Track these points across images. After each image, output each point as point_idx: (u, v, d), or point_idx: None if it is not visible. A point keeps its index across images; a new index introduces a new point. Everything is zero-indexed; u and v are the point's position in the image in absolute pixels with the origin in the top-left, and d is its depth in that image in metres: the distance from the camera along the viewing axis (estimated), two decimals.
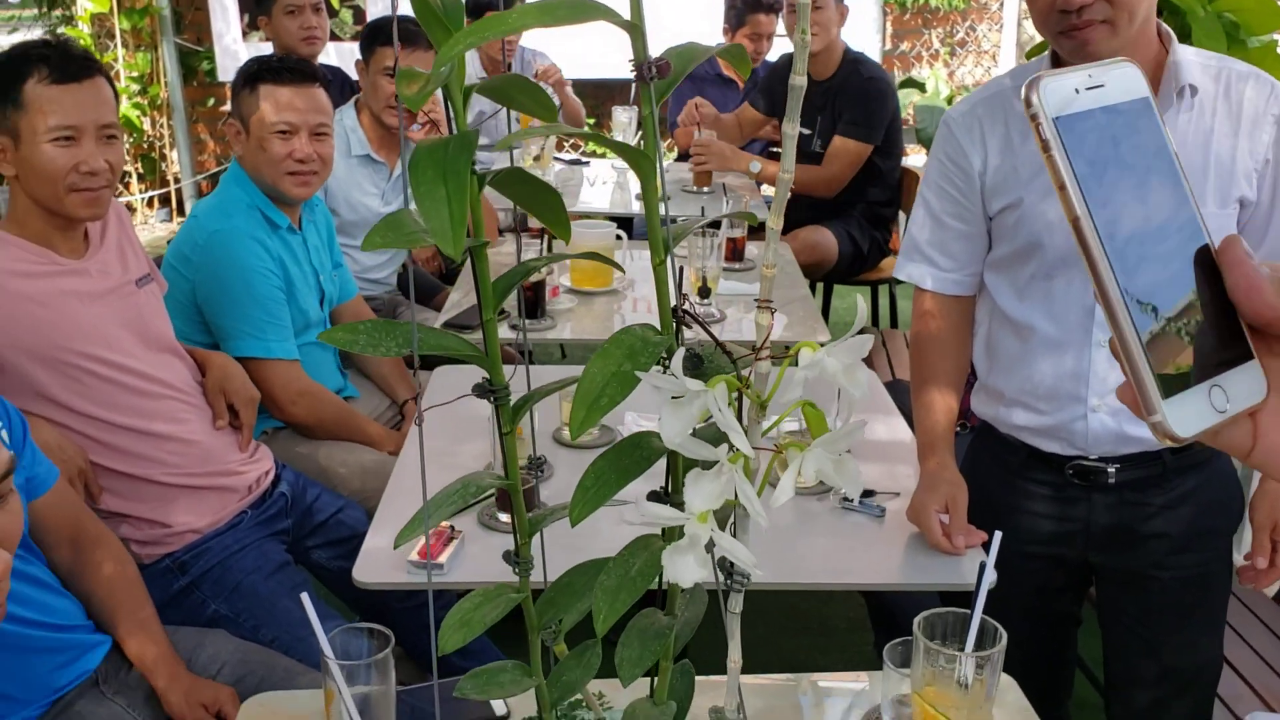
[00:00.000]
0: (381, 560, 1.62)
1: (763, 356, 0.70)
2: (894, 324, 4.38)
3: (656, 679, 0.92)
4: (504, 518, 1.72)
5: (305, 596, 1.13)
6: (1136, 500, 1.70)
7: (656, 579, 0.80)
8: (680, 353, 0.70)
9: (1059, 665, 1.91)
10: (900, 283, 2.88)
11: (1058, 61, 1.61)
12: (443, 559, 1.60)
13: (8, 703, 1.52)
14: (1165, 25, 1.60)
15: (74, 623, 1.62)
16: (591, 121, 6.46)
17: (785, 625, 2.85)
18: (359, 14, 6.44)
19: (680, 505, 0.72)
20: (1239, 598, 2.14)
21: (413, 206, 0.67)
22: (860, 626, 2.73)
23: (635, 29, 0.67)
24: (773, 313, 0.72)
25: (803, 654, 2.73)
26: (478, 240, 0.76)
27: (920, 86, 6.97)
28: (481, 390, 0.82)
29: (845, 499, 1.79)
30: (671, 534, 0.78)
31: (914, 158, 6.03)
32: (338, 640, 1.11)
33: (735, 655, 0.85)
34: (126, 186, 6.75)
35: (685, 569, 0.70)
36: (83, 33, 6.35)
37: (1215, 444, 0.52)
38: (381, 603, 2.03)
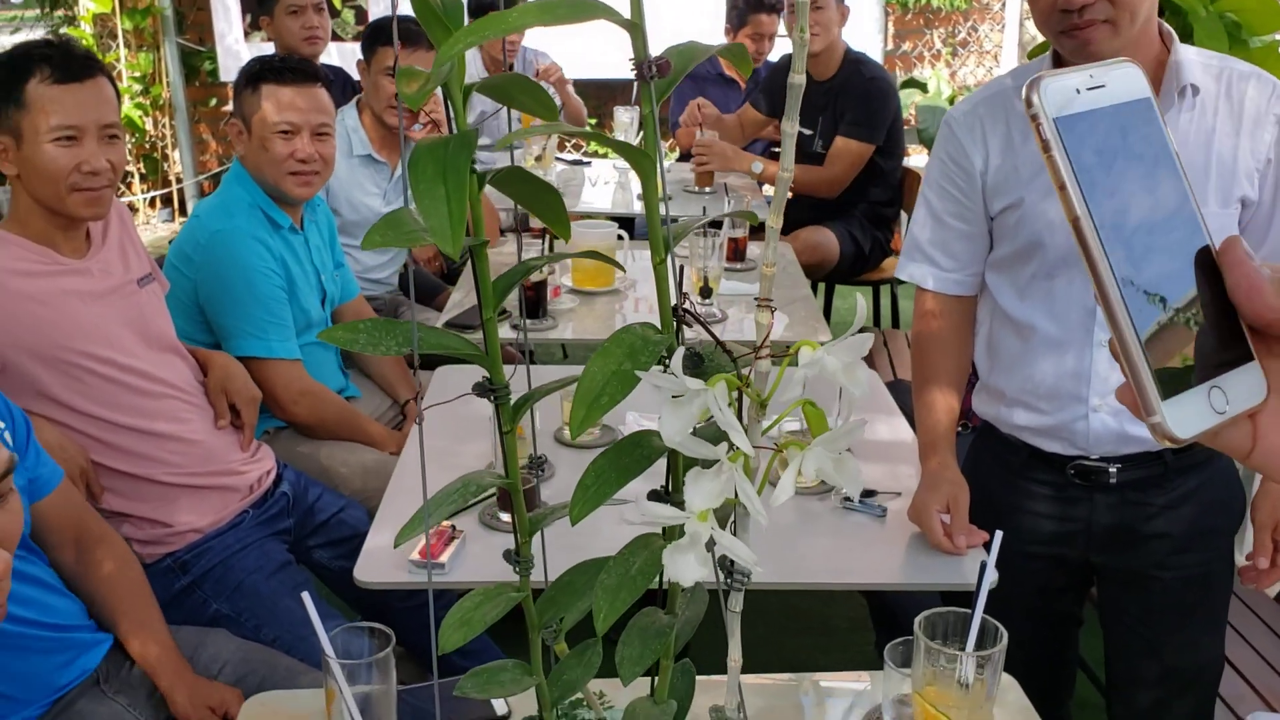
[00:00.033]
0: (383, 560, 1.63)
1: (763, 355, 0.70)
2: (895, 324, 4.38)
3: (657, 678, 0.92)
4: (505, 517, 1.72)
5: (306, 595, 1.13)
6: (1138, 500, 1.70)
7: (657, 578, 0.80)
8: (680, 351, 0.70)
9: (1060, 665, 1.91)
10: (902, 283, 2.88)
11: (1059, 61, 1.61)
12: (444, 558, 1.60)
13: (8, 703, 1.52)
14: (1167, 25, 1.59)
15: (75, 622, 1.62)
16: (593, 121, 6.46)
17: (786, 625, 2.85)
18: (361, 14, 6.45)
19: (680, 504, 0.72)
20: (1240, 598, 2.14)
21: (413, 206, 0.67)
22: (861, 626, 2.73)
23: (635, 28, 0.67)
24: (773, 312, 0.72)
25: (804, 654, 2.72)
26: (477, 239, 0.76)
27: (922, 87, 6.97)
28: (482, 389, 0.82)
29: (846, 498, 1.79)
30: (672, 533, 0.78)
31: (916, 158, 6.03)
32: (339, 639, 1.11)
33: (735, 654, 0.85)
34: (128, 186, 6.75)
35: (685, 568, 0.70)
36: (85, 33, 6.36)
37: (1214, 445, 0.52)
38: (383, 602, 2.03)
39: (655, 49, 0.70)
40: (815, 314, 2.83)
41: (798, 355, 0.71)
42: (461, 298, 2.84)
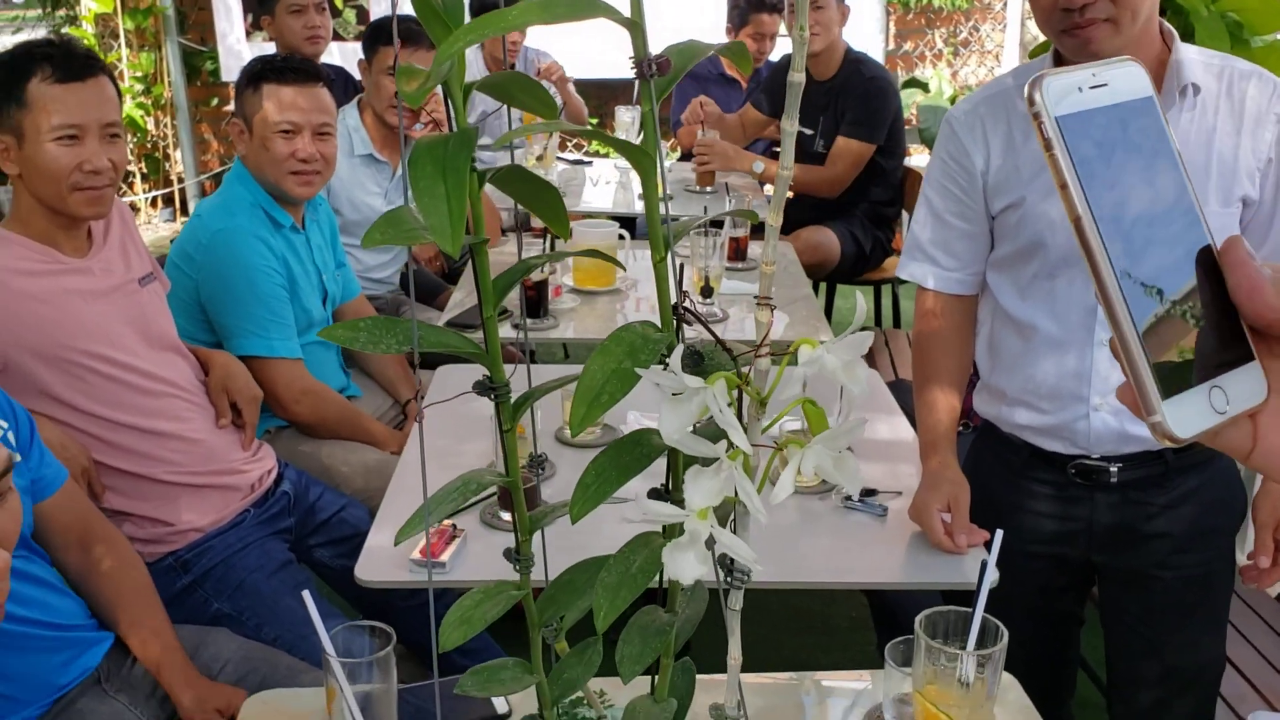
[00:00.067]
0: (384, 558, 1.63)
1: (763, 354, 0.70)
2: (896, 324, 4.38)
3: (657, 676, 0.92)
4: (506, 516, 1.72)
5: (307, 594, 1.13)
6: (1139, 500, 1.70)
7: (657, 576, 0.80)
8: (680, 349, 0.70)
9: (1061, 664, 1.91)
10: (903, 282, 2.87)
11: (1060, 61, 1.61)
12: (444, 557, 1.60)
13: (8, 702, 1.52)
14: (1168, 24, 1.59)
15: (76, 622, 1.62)
16: (595, 121, 6.46)
17: (787, 624, 2.85)
18: (362, 14, 6.45)
19: (680, 502, 0.72)
20: (1241, 597, 2.13)
21: (414, 205, 0.67)
22: (863, 626, 2.73)
23: (635, 26, 0.67)
24: (773, 310, 0.72)
25: (805, 653, 2.72)
26: (477, 237, 0.76)
27: (923, 86, 6.97)
28: (482, 387, 0.82)
29: (847, 498, 1.79)
30: (672, 531, 0.78)
31: (917, 158, 6.03)
32: (339, 638, 1.11)
33: (735, 653, 0.85)
34: (130, 186, 6.76)
35: (685, 566, 0.70)
36: (87, 33, 6.36)
37: (1215, 445, 0.52)
38: (384, 601, 2.03)
39: (655, 48, 0.70)
40: (816, 313, 2.83)
41: (797, 353, 0.71)
42: (463, 297, 2.84)
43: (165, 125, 6.82)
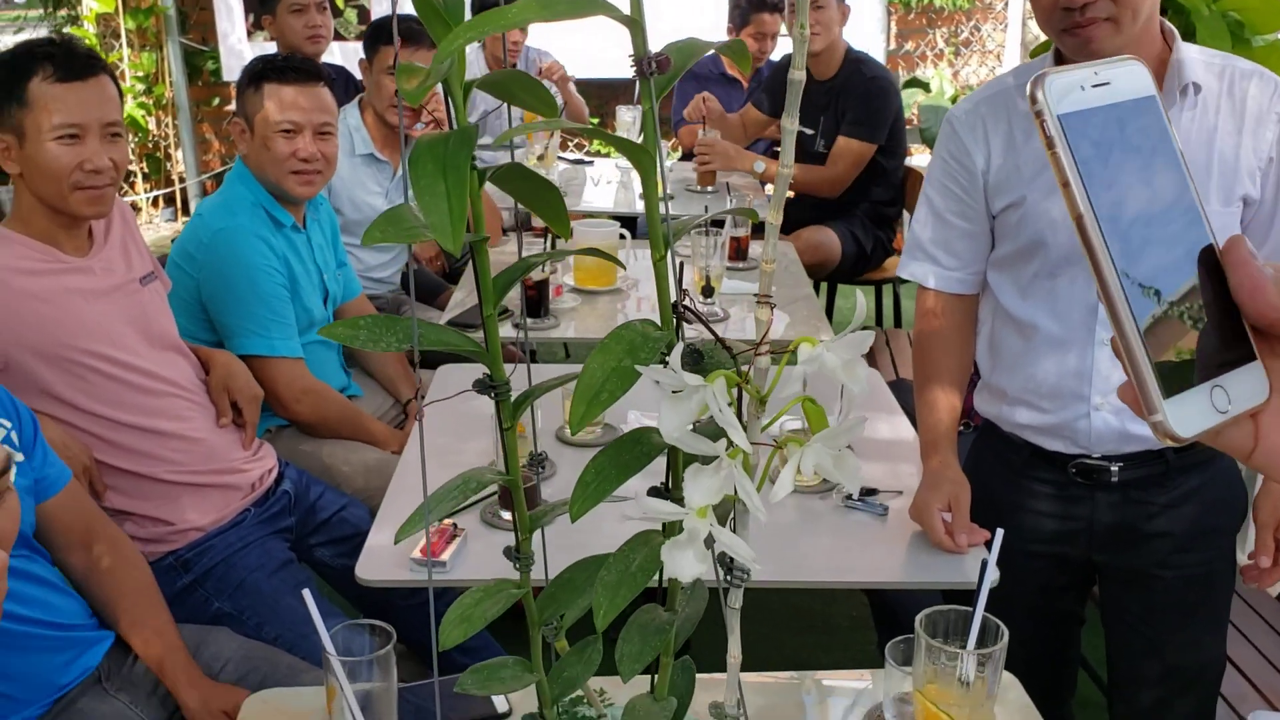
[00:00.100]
0: (384, 558, 1.63)
1: (762, 352, 0.70)
2: (898, 324, 4.38)
3: (657, 675, 0.92)
4: (506, 515, 1.72)
5: (307, 592, 1.13)
6: (1140, 499, 1.69)
7: (657, 575, 0.80)
8: (679, 347, 0.70)
9: (1062, 664, 1.91)
10: (904, 282, 2.87)
11: (1061, 60, 1.61)
12: (445, 557, 1.60)
13: (9, 702, 1.52)
14: (1169, 23, 1.59)
15: (77, 621, 1.62)
16: (595, 121, 6.47)
17: (788, 624, 2.85)
18: (363, 13, 6.45)
19: (680, 500, 0.72)
20: (1242, 597, 2.13)
21: (414, 203, 0.67)
22: (863, 625, 2.73)
23: (635, 24, 0.67)
24: (772, 308, 0.72)
25: (806, 652, 2.72)
26: (478, 235, 0.76)
27: (925, 86, 6.97)
28: (482, 386, 0.82)
29: (848, 497, 1.79)
30: (671, 529, 0.78)
31: (918, 158, 6.03)
32: (339, 637, 1.11)
33: (735, 651, 0.85)
34: (131, 186, 6.77)
35: (684, 564, 0.70)
36: (88, 32, 6.37)
37: (1216, 445, 0.52)
38: (385, 600, 2.03)
39: (655, 46, 0.70)
40: (817, 313, 2.83)
41: (797, 352, 0.71)
42: (463, 297, 2.84)
43: (166, 125, 6.82)
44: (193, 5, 6.72)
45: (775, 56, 4.60)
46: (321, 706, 1.16)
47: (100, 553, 1.68)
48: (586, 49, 5.22)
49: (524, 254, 0.87)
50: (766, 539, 1.67)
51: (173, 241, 2.49)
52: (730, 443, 0.69)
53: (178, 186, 6.88)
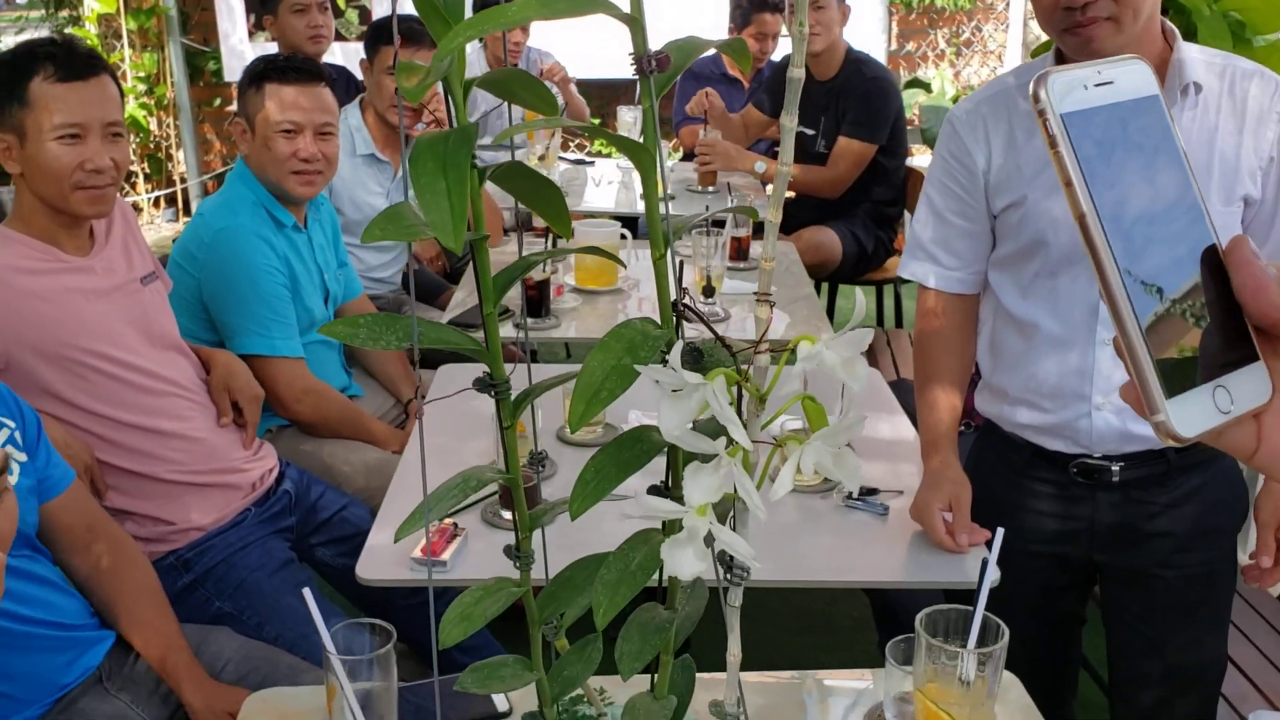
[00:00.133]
0: (385, 557, 1.63)
1: (762, 350, 0.70)
2: (899, 324, 4.37)
3: (657, 674, 0.92)
4: (507, 515, 1.72)
5: (307, 591, 1.13)
6: (1141, 499, 1.69)
7: (657, 575, 0.80)
8: (679, 346, 0.70)
9: (1063, 664, 1.91)
10: (905, 282, 2.88)
11: (1062, 59, 1.61)
12: (445, 556, 1.60)
13: (11, 702, 1.52)
14: (1169, 23, 1.59)
15: (78, 621, 1.62)
16: (596, 121, 6.47)
17: (790, 624, 2.85)
18: (365, 14, 6.46)
19: (680, 499, 0.72)
20: (1243, 597, 2.13)
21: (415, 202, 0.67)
22: (865, 626, 2.73)
23: (635, 22, 0.67)
24: (772, 306, 0.72)
25: (807, 653, 2.72)
26: (478, 233, 0.76)
27: (926, 86, 6.97)
28: (482, 384, 0.82)
29: (849, 496, 1.79)
30: (671, 527, 0.78)
31: (919, 158, 6.03)
32: (340, 636, 1.11)
33: (735, 649, 0.85)
34: (133, 186, 6.77)
35: (684, 562, 0.70)
36: (90, 33, 6.38)
37: (1219, 445, 0.52)
38: (385, 600, 2.03)
39: (656, 45, 0.70)
40: (818, 313, 2.83)
41: (797, 350, 0.71)
42: (464, 297, 2.85)
43: (168, 125, 6.83)
44: (194, 6, 6.73)
45: (776, 57, 4.60)
46: (322, 705, 1.16)
47: (103, 553, 1.68)
48: (588, 49, 5.23)
49: (525, 254, 0.87)
50: (767, 538, 1.67)
51: (174, 241, 2.49)
52: (730, 441, 0.69)
53: (179, 187, 6.89)
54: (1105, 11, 1.46)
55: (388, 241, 3.41)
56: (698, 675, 0.95)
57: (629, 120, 4.51)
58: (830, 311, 4.31)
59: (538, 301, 2.62)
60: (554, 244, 2.78)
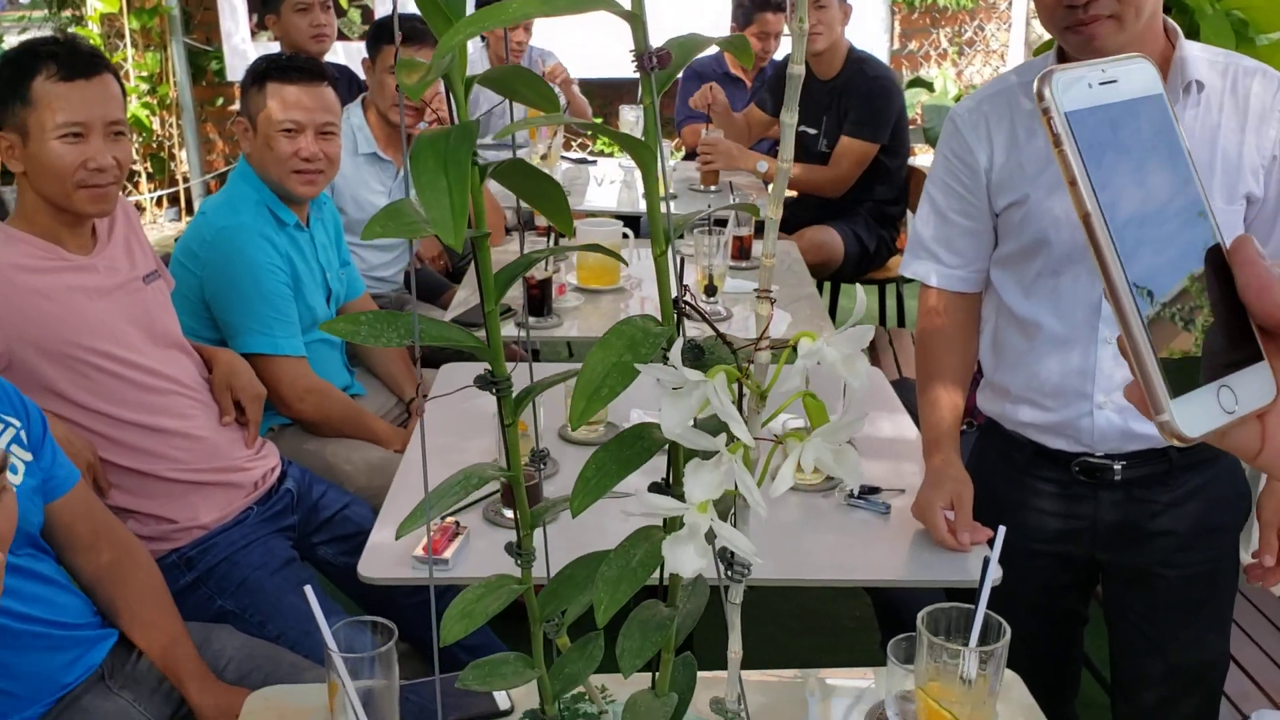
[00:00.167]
0: (387, 555, 1.63)
1: (763, 347, 0.70)
2: (901, 323, 4.37)
3: (658, 671, 0.92)
4: (509, 513, 1.72)
5: (308, 589, 1.13)
6: (1143, 497, 1.69)
7: (659, 573, 0.80)
8: (680, 343, 0.70)
9: (1065, 663, 1.90)
10: (908, 282, 2.87)
11: (1064, 58, 1.61)
12: (447, 554, 1.60)
13: (13, 700, 1.52)
14: (1172, 21, 1.59)
15: (80, 620, 1.62)
16: (599, 120, 6.47)
17: (792, 624, 2.85)
18: (367, 13, 6.46)
19: (681, 496, 0.72)
20: (1246, 596, 2.13)
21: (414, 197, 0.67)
22: (867, 625, 2.72)
23: (635, 19, 0.67)
24: (772, 303, 0.72)
25: (809, 653, 2.72)
26: (479, 231, 0.76)
27: (928, 86, 6.97)
28: (483, 382, 0.82)
29: (851, 495, 1.79)
30: (672, 524, 0.78)
31: (922, 157, 6.03)
32: (341, 633, 1.11)
33: (735, 646, 0.85)
34: (136, 186, 6.78)
35: (685, 559, 0.70)
36: (92, 33, 6.38)
37: (1223, 445, 0.52)
38: (387, 599, 2.03)
39: (657, 43, 0.70)
40: (820, 313, 2.83)
41: (797, 347, 0.71)
42: (467, 296, 2.85)
43: (170, 125, 6.84)
44: (197, 5, 6.73)
45: (778, 56, 4.60)
46: (323, 703, 1.17)
47: (107, 553, 1.68)
48: (591, 49, 5.23)
49: (526, 252, 0.87)
50: (769, 537, 1.67)
51: (176, 241, 2.50)
52: (731, 438, 0.69)
53: (181, 186, 6.89)
54: (1107, 9, 1.46)
55: (389, 240, 3.40)
56: (699, 673, 0.95)
57: (631, 119, 4.51)
58: (832, 311, 4.31)
59: (540, 300, 2.62)
60: (556, 243, 2.78)
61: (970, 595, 1.16)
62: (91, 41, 5.71)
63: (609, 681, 1.24)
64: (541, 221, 3.30)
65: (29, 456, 1.55)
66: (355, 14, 6.42)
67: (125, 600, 1.68)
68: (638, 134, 0.71)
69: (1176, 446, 0.50)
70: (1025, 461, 1.76)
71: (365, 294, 2.78)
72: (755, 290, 0.72)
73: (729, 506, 0.79)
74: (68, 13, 6.56)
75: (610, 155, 5.48)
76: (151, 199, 6.84)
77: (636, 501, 0.71)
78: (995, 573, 1.17)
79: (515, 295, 2.61)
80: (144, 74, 6.63)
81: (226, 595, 1.94)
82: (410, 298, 3.29)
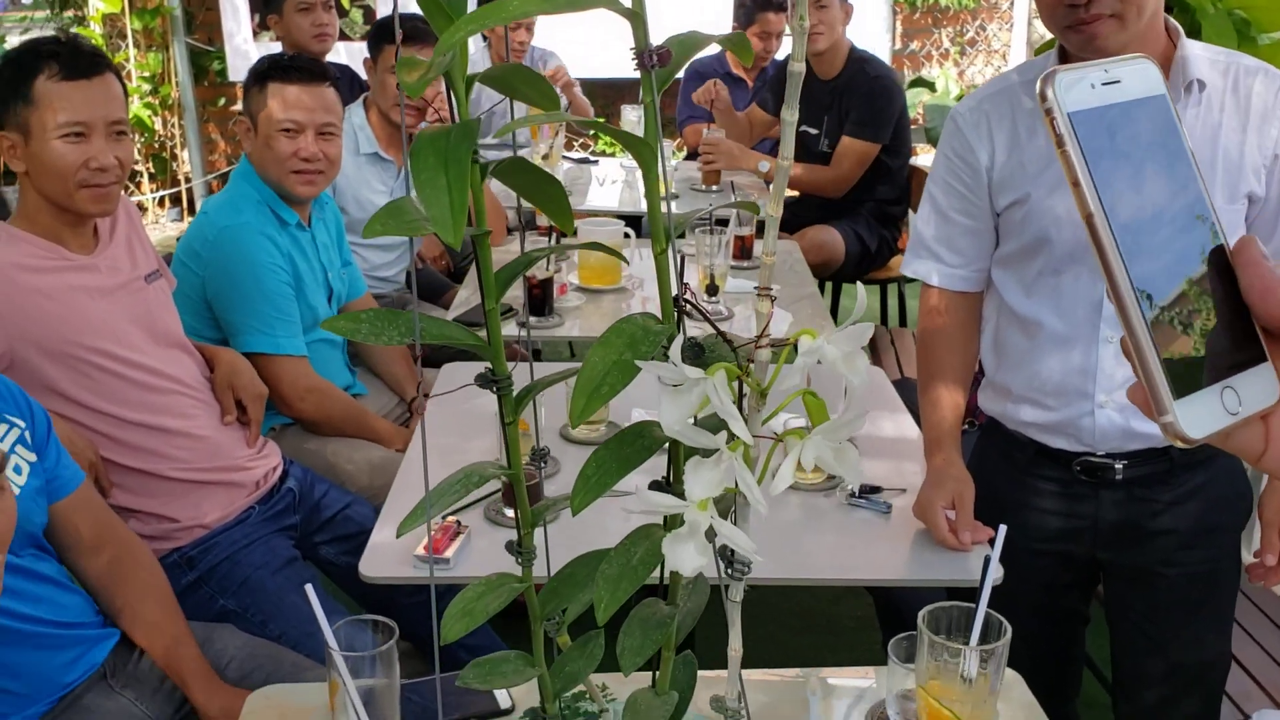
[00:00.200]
0: (388, 555, 1.63)
1: (763, 345, 0.70)
2: (903, 323, 4.37)
3: (659, 670, 0.92)
4: (510, 513, 1.72)
5: (309, 587, 1.13)
6: (1144, 496, 1.69)
7: (659, 571, 0.80)
8: (679, 340, 0.70)
9: (1066, 662, 1.90)
10: (909, 281, 2.87)
11: (1065, 57, 1.61)
12: (449, 554, 1.60)
13: (15, 699, 1.52)
14: (1173, 20, 1.59)
15: (82, 619, 1.62)
16: (600, 120, 6.47)
17: (793, 624, 2.85)
18: (369, 13, 6.46)
19: (681, 494, 0.72)
20: (1247, 595, 2.13)
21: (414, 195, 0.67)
22: (868, 625, 2.72)
23: (636, 16, 0.67)
24: (772, 301, 0.72)
25: (810, 652, 2.72)
26: (479, 229, 0.76)
27: (930, 86, 6.97)
28: (484, 380, 0.82)
29: (852, 494, 1.79)
30: (672, 522, 0.78)
31: (924, 157, 6.03)
32: (342, 632, 1.11)
33: (736, 644, 0.85)
34: (138, 186, 6.79)
35: (685, 557, 0.70)
36: (94, 33, 6.39)
37: (1226, 447, 0.52)
38: (389, 598, 2.03)
39: (657, 41, 0.70)
40: (822, 312, 2.83)
41: (797, 345, 0.71)
42: (468, 295, 2.85)
43: (172, 125, 6.84)
44: (199, 5, 6.74)
45: (780, 55, 4.60)
46: (324, 703, 1.17)
47: (111, 556, 1.68)
48: (593, 49, 5.23)
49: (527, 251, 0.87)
50: (770, 537, 1.67)
51: (178, 240, 2.50)
52: (731, 435, 0.69)
53: (183, 186, 6.90)
54: (1109, 8, 1.46)
55: (391, 240, 3.39)
56: (700, 673, 0.95)
57: (632, 119, 4.51)
58: (834, 311, 4.31)
59: (541, 300, 2.62)
60: (557, 242, 2.79)
61: (971, 594, 1.16)
62: (93, 42, 5.71)
63: (609, 680, 1.24)
64: (543, 221, 3.30)
65: (33, 457, 1.55)
66: (357, 14, 6.43)
67: (128, 600, 1.68)
68: (640, 133, 0.71)
69: (1177, 446, 0.49)
70: (1026, 461, 1.76)
71: (367, 294, 2.79)
72: (756, 288, 0.72)
73: (729, 504, 0.79)
74: (70, 13, 6.56)
75: (612, 155, 5.49)
76: (154, 199, 6.84)
77: (637, 499, 0.71)
78: (996, 572, 1.17)
79: (517, 295, 2.61)
80: (146, 74, 6.64)
81: (228, 594, 1.94)
82: (412, 297, 3.29)
